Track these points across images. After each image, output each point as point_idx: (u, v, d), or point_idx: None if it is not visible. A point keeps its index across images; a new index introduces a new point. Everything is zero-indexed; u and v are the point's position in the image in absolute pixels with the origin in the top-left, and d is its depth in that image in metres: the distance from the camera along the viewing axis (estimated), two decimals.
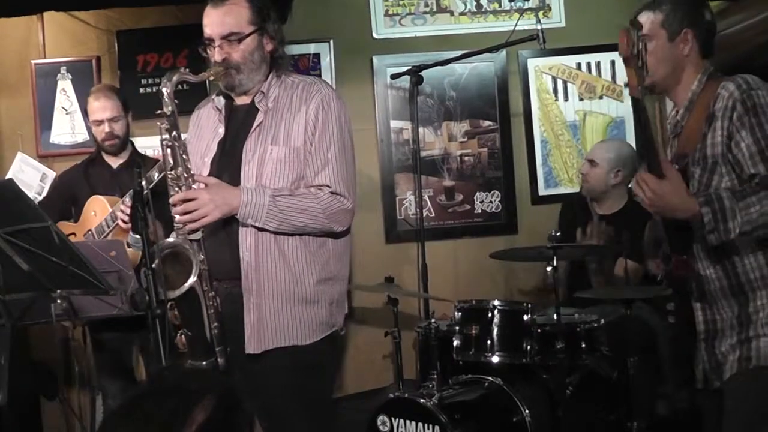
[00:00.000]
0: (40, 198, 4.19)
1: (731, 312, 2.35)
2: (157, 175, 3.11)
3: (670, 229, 2.42)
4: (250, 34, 2.57)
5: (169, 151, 2.50)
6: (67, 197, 3.87)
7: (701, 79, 2.40)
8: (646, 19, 2.45)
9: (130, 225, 3.44)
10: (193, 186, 2.50)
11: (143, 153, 3.97)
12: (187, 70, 2.57)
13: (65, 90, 4.58)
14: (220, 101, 2.70)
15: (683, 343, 2.54)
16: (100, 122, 3.78)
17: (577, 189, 4.36)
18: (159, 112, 2.50)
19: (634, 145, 4.36)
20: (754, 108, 2.24)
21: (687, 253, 2.39)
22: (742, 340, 2.33)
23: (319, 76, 4.57)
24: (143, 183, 2.39)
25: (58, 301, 2.71)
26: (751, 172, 2.23)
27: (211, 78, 2.58)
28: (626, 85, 2.39)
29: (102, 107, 3.77)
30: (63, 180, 3.98)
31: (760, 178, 2.21)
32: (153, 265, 2.30)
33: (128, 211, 3.47)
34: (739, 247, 2.31)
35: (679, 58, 2.41)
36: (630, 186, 3.96)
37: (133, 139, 3.96)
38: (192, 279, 2.45)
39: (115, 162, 3.84)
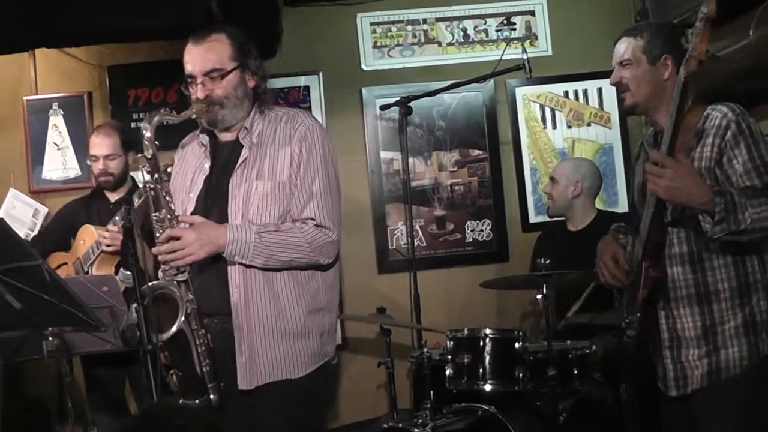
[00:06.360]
0: (33, 233, 4.21)
1: (694, 321, 2.42)
2: (137, 200, 3.10)
3: (653, 230, 2.43)
4: (232, 70, 2.58)
5: (152, 194, 2.53)
6: (66, 228, 3.93)
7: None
8: (626, 45, 2.54)
9: (113, 247, 3.48)
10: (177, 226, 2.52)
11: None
12: (168, 110, 2.58)
13: (57, 125, 4.61)
14: (205, 138, 2.71)
15: (644, 354, 2.55)
16: (96, 158, 3.83)
17: None
18: (139, 156, 2.54)
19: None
20: (749, 129, 2.37)
21: (660, 257, 2.44)
22: (709, 351, 2.39)
23: (309, 108, 4.61)
24: (133, 219, 2.40)
25: (50, 338, 2.72)
26: (746, 185, 2.31)
27: (194, 116, 2.58)
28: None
29: (99, 144, 3.83)
30: (64, 212, 4.02)
31: (763, 186, 2.30)
32: (144, 302, 2.31)
33: (108, 234, 3.51)
34: (713, 257, 2.40)
35: (659, 81, 2.51)
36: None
37: None
38: (178, 323, 2.45)
39: (113, 197, 3.88)
